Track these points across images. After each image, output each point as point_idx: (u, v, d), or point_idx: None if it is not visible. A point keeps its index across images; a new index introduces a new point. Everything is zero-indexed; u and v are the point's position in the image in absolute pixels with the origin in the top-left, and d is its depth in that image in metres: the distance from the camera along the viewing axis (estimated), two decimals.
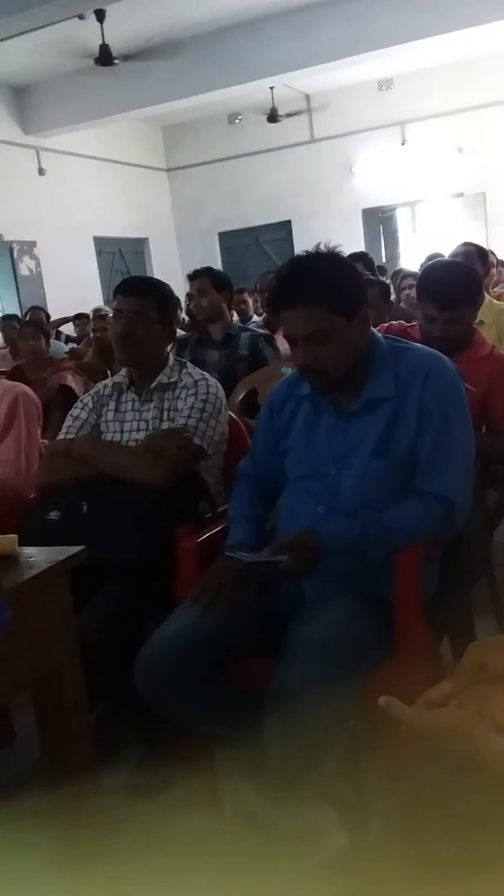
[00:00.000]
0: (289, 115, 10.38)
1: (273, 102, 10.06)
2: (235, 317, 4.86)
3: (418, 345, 1.78)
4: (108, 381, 2.36)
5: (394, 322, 2.79)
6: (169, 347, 2.36)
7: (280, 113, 10.27)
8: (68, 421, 2.31)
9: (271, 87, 9.35)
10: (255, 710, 1.50)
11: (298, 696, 1.42)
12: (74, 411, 2.33)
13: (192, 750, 1.79)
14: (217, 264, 10.02)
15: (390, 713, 0.87)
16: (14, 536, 1.32)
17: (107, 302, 9.63)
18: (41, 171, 9.41)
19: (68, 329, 8.43)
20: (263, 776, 1.55)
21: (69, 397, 4.35)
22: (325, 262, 1.65)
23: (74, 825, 1.40)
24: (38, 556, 1.29)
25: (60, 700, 1.24)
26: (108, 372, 4.97)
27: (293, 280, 1.63)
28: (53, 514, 2.10)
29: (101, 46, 7.21)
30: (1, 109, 8.94)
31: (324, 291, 1.59)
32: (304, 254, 1.66)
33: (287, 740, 1.41)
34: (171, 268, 11.06)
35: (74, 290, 9.57)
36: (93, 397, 2.33)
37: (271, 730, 1.44)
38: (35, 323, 5.37)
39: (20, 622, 1.07)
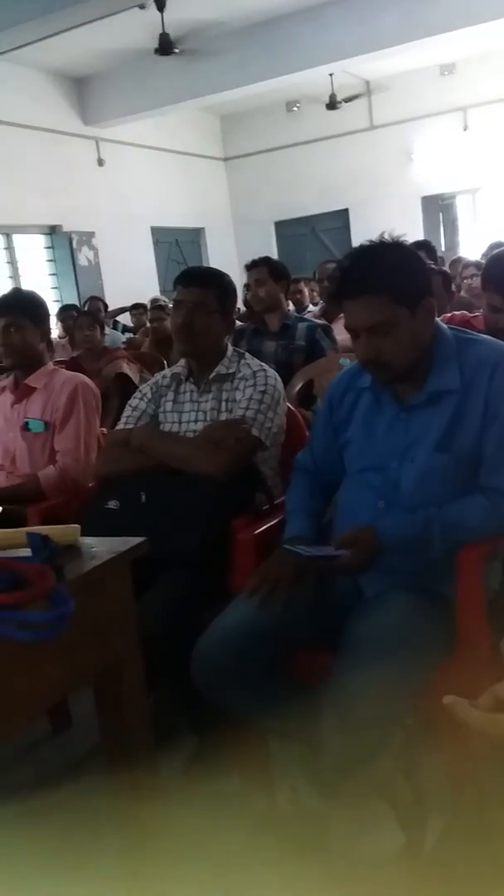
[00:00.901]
0: (346, 100, 10.24)
1: (332, 89, 9.95)
2: (291, 306, 4.83)
3: (487, 337, 1.74)
4: (167, 372, 2.37)
5: (456, 312, 2.74)
6: (227, 338, 2.35)
7: (338, 100, 10.15)
8: (127, 411, 2.33)
9: (331, 74, 9.24)
10: (312, 704, 1.50)
11: (356, 691, 1.40)
12: (133, 401, 2.35)
13: (246, 740, 1.79)
14: (273, 253, 9.97)
15: (455, 714, 0.85)
16: (77, 527, 1.33)
17: (163, 292, 9.69)
18: (100, 162, 9.49)
19: (125, 319, 8.51)
20: (318, 770, 1.55)
21: (126, 386, 4.40)
22: (390, 252, 1.61)
23: (132, 810, 1.42)
24: (100, 547, 1.30)
25: (120, 690, 1.25)
26: (165, 362, 5.02)
27: (357, 270, 1.61)
28: (112, 504, 2.12)
29: (160, 35, 7.22)
30: (62, 101, 9.04)
31: (388, 282, 1.56)
32: (369, 243, 1.63)
33: (344, 735, 1.40)
34: (227, 257, 11.07)
35: (131, 280, 9.65)
36: (151, 388, 2.34)
37: (328, 724, 1.43)
38: (90, 313, 5.44)
39: (82, 613, 1.08)
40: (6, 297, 2.63)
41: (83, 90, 9.19)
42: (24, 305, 2.54)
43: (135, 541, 1.30)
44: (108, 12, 6.28)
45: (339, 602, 1.66)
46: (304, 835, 1.63)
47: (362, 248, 1.64)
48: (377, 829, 1.59)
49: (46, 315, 2.66)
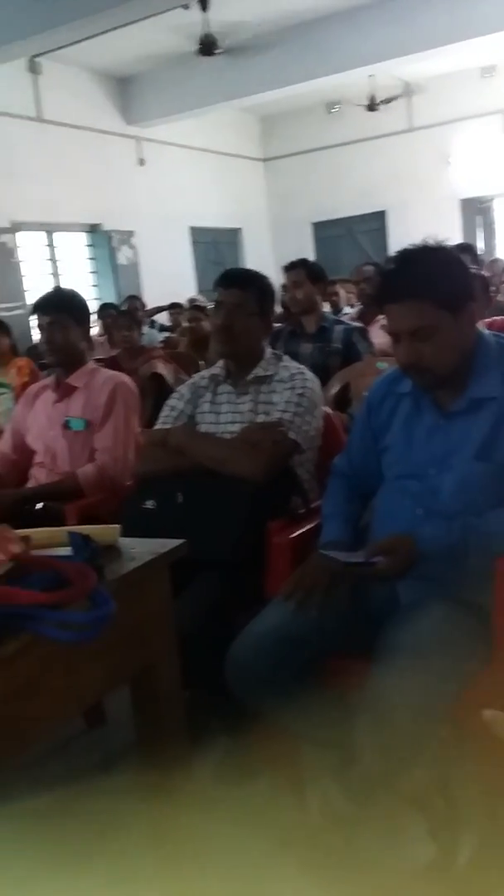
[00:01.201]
0: (385, 101, 10.18)
1: (372, 91, 9.90)
2: (327, 308, 4.82)
3: None
4: (206, 373, 2.37)
5: (497, 317, 2.70)
6: (265, 340, 2.35)
7: (378, 101, 10.10)
8: (165, 411, 2.34)
9: (370, 76, 9.20)
10: (345, 711, 1.49)
11: (392, 700, 1.39)
12: (171, 401, 2.35)
13: (277, 745, 1.79)
14: (310, 255, 9.94)
15: (495, 729, 0.84)
16: (117, 527, 1.34)
17: (200, 292, 9.73)
18: (141, 162, 9.56)
19: (162, 318, 8.56)
20: (352, 777, 1.54)
21: (160, 386, 4.43)
22: (434, 256, 1.60)
23: (162, 810, 1.42)
24: (140, 548, 1.30)
25: (157, 691, 1.26)
26: (201, 362, 5.04)
27: (399, 273, 1.60)
28: (149, 504, 2.13)
29: (203, 36, 7.25)
30: (105, 100, 9.11)
31: (432, 286, 1.55)
32: (412, 247, 1.62)
33: (378, 744, 1.39)
34: (264, 258, 11.07)
35: (169, 279, 9.70)
36: (190, 388, 2.34)
37: (363, 732, 1.42)
38: (129, 313, 5.49)
39: (121, 614, 1.08)
40: (50, 295, 2.66)
41: (126, 90, 9.26)
42: (67, 304, 2.57)
43: (174, 543, 1.31)
44: (152, 12, 6.31)
45: (375, 609, 1.65)
46: (334, 843, 1.62)
47: (406, 251, 1.63)
48: (409, 841, 1.58)
49: (88, 314, 2.68)
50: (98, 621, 1.04)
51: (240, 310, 2.18)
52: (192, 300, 7.87)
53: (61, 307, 2.54)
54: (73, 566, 1.13)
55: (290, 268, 3.69)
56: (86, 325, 2.64)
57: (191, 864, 1.43)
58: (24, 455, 2.68)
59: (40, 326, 2.57)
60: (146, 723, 1.26)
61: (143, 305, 8.04)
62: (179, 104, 9.05)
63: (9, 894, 0.97)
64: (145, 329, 5.76)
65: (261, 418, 2.19)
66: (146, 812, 1.38)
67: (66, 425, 2.57)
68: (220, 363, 2.33)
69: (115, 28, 6.58)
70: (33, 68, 7.94)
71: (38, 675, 1.06)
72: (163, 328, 8.10)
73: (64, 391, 2.61)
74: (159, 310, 8.54)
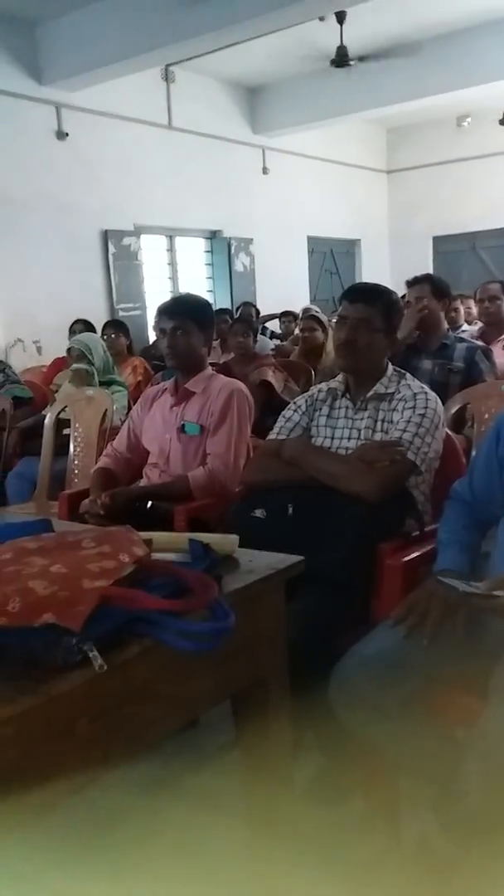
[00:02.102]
0: None
1: None
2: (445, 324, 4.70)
3: None
4: (323, 386, 2.35)
5: None
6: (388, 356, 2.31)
7: None
8: (280, 421, 2.34)
9: None
10: (452, 748, 1.43)
11: None
12: (287, 412, 2.35)
13: (375, 770, 1.75)
14: (429, 269, 9.78)
15: None
16: (236, 538, 1.34)
17: (313, 301, 9.72)
18: (265, 170, 9.65)
19: (272, 325, 8.60)
20: (454, 815, 1.48)
21: (268, 394, 4.45)
22: None
23: (261, 815, 1.41)
24: (257, 561, 1.30)
25: (265, 706, 1.25)
26: (312, 372, 5.02)
27: None
28: (259, 513, 2.13)
29: (338, 48, 7.25)
30: (233, 109, 9.25)
31: None
32: None
33: (488, 788, 1.33)
34: (380, 270, 10.95)
35: (283, 287, 9.74)
36: (307, 400, 2.33)
37: (472, 773, 1.36)
38: (245, 320, 5.53)
39: (236, 626, 1.08)
40: (176, 301, 2.71)
41: (254, 99, 9.37)
42: (193, 310, 2.61)
43: (293, 559, 1.29)
44: (288, 24, 6.36)
45: (492, 644, 1.58)
46: (428, 879, 1.57)
47: None
48: None
49: (212, 321, 2.72)
50: (218, 633, 1.04)
51: (364, 325, 2.15)
52: (306, 309, 7.86)
53: (187, 313, 2.58)
54: (195, 575, 1.14)
55: (414, 283, 3.62)
56: (208, 331, 2.67)
57: (276, 874, 1.42)
58: (138, 454, 2.74)
59: (163, 330, 2.62)
60: (250, 736, 1.25)
61: (257, 313, 8.09)
62: (308, 114, 9.07)
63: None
64: (258, 336, 5.80)
65: (378, 436, 2.15)
66: (242, 820, 1.37)
67: (181, 429, 2.61)
68: (339, 377, 2.31)
69: (249, 39, 6.67)
70: (167, 77, 8.15)
71: (153, 680, 1.06)
72: (273, 335, 8.14)
73: (182, 395, 2.65)
74: (272, 317, 8.58)
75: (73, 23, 6.57)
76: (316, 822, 1.72)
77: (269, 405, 4.08)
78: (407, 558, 1.85)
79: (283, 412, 2.38)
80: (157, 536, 1.30)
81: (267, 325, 8.54)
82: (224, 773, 1.76)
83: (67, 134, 7.21)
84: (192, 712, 1.17)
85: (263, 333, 7.82)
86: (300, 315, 7.09)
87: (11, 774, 0.90)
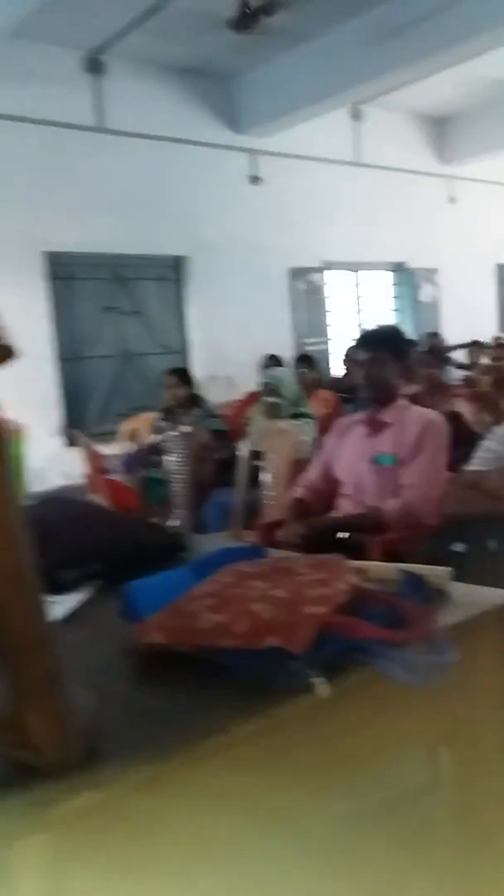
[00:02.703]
0: None
1: None
2: None
3: None
4: None
5: None
6: None
7: None
8: (480, 452, 2.28)
9: None
10: None
11: None
12: (487, 443, 2.29)
13: None
14: None
15: None
16: (449, 570, 1.31)
17: (501, 329, 9.40)
18: (451, 199, 9.51)
19: (457, 355, 8.39)
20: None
21: (457, 424, 4.32)
22: None
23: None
24: (472, 596, 1.26)
25: (484, 751, 1.19)
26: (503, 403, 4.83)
27: None
28: (458, 547, 2.08)
29: None
30: (420, 141, 9.23)
31: None
32: None
33: None
34: None
35: (469, 316, 9.50)
36: None
37: None
38: (434, 351, 5.46)
39: (454, 663, 1.05)
40: (374, 332, 2.73)
41: (441, 130, 9.30)
42: (390, 341, 2.61)
43: None
44: (478, 53, 6.27)
45: None
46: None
47: None
48: None
49: (408, 351, 2.71)
50: (439, 667, 1.01)
51: None
52: (497, 338, 7.61)
53: (384, 344, 2.59)
54: (412, 606, 1.12)
55: None
56: (404, 362, 2.66)
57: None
58: (330, 485, 2.76)
59: (358, 362, 2.64)
60: (467, 781, 1.19)
61: (444, 342, 7.95)
62: (496, 141, 8.86)
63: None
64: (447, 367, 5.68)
65: None
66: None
67: (375, 460, 2.60)
68: None
69: (438, 71, 6.64)
70: (356, 114, 8.29)
71: (369, 711, 1.06)
72: (459, 366, 7.94)
73: (375, 426, 2.65)
74: (459, 347, 8.38)
75: (266, 72, 6.89)
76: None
77: (459, 436, 3.97)
78: None
79: (482, 442, 2.32)
80: (369, 566, 1.30)
81: (452, 354, 8.36)
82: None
83: (260, 178, 7.51)
84: (408, 755, 1.14)
85: (448, 363, 7.66)
86: (491, 344, 6.87)
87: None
